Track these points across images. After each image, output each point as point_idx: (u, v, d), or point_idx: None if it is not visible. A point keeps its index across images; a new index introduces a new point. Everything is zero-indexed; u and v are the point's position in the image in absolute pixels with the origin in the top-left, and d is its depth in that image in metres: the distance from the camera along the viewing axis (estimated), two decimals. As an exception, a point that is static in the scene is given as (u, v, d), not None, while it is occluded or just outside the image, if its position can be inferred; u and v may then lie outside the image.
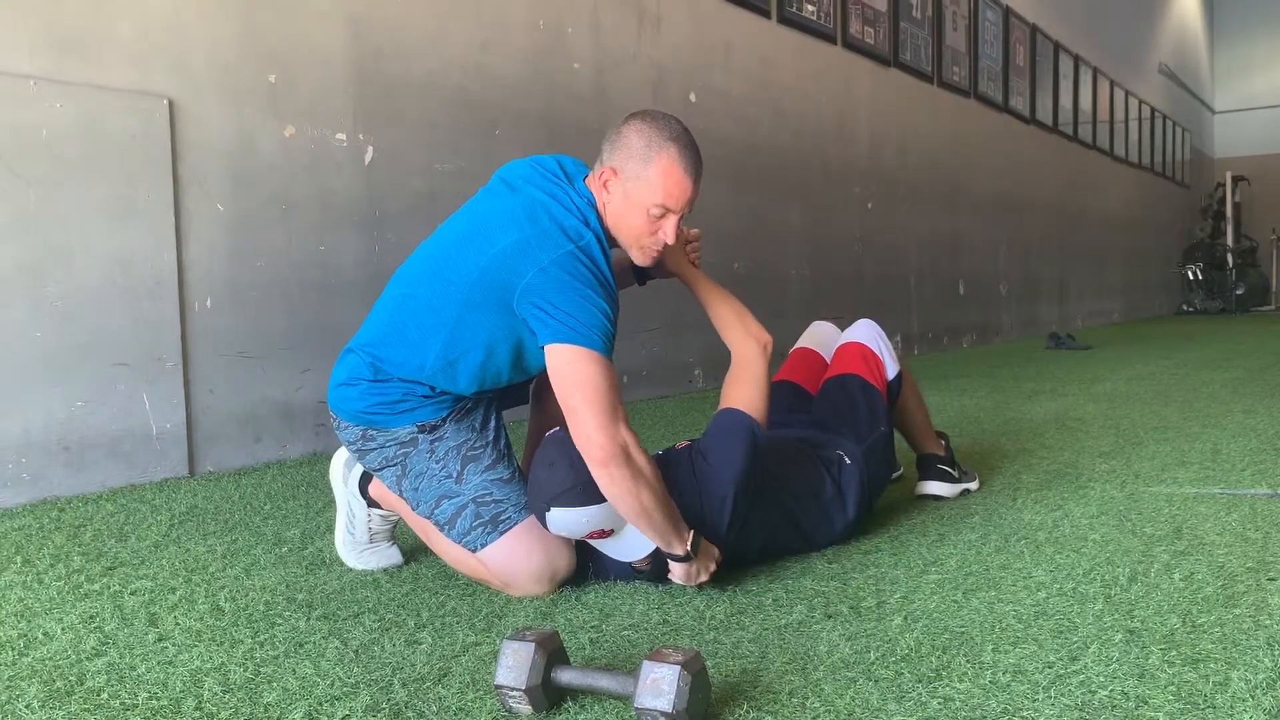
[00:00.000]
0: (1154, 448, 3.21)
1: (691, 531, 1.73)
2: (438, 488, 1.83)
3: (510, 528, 1.80)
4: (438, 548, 1.90)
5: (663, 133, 1.78)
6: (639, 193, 1.77)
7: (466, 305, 1.76)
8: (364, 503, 1.99)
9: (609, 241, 1.81)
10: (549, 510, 1.69)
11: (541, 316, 1.70)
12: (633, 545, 1.74)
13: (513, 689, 1.28)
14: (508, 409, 2.03)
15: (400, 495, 1.88)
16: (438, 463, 1.83)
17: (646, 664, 1.24)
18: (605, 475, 1.63)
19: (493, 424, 1.90)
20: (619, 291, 1.82)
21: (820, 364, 2.43)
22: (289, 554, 2.11)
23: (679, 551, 1.71)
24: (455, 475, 1.82)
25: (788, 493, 1.95)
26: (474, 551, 1.81)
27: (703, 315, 2.01)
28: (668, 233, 1.80)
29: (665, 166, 1.76)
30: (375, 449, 1.87)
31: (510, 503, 1.82)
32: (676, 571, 1.76)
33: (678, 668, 1.22)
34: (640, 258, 1.86)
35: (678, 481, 1.79)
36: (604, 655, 1.51)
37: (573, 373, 1.66)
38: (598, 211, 1.81)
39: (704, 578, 1.78)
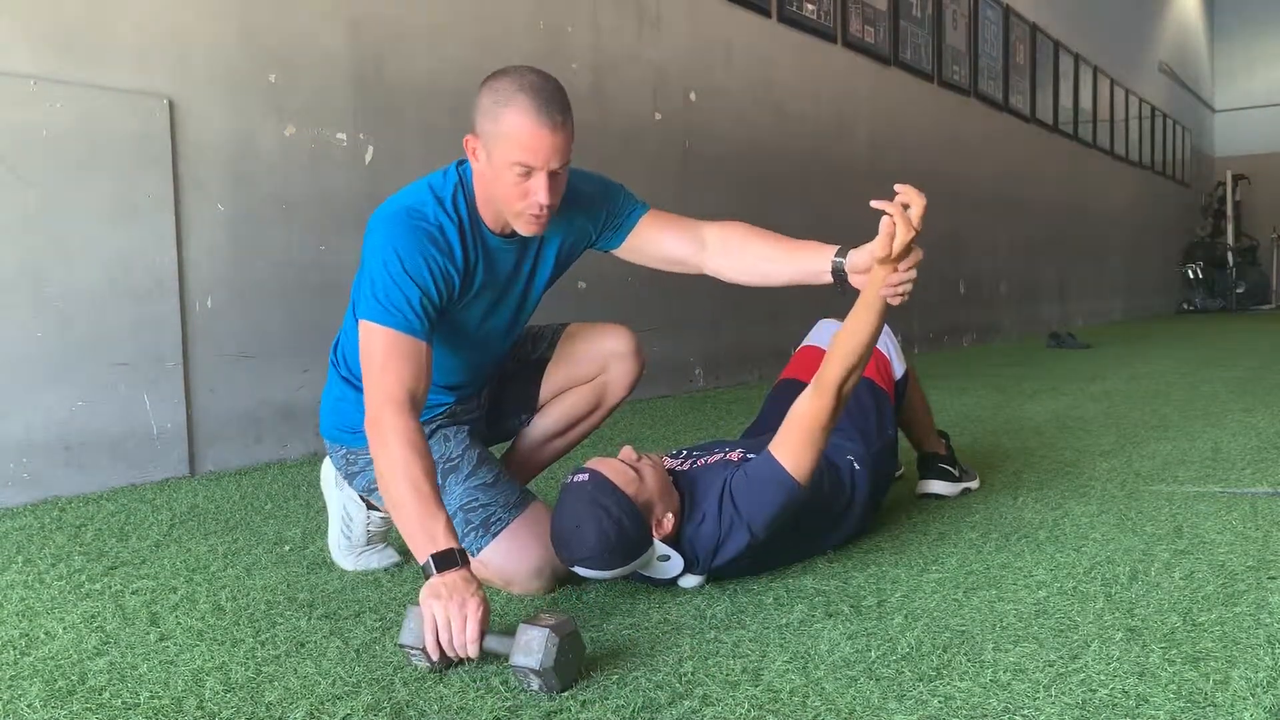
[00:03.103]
0: (1154, 446, 3.21)
1: (454, 548, 1.48)
2: None
3: (503, 528, 1.80)
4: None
5: (511, 84, 1.63)
6: (497, 153, 1.63)
7: (354, 303, 1.78)
8: (363, 505, 1.99)
9: (478, 215, 1.74)
10: (574, 567, 1.71)
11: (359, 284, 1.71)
12: (665, 570, 1.76)
13: (414, 648, 1.44)
14: (494, 443, 2.06)
15: None
16: None
17: (521, 626, 1.36)
18: (366, 432, 1.61)
19: (465, 433, 1.90)
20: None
21: None
22: (290, 553, 2.11)
23: (419, 558, 1.49)
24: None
25: (804, 509, 1.90)
26: (472, 556, 1.81)
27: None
28: (539, 193, 1.64)
29: (514, 120, 1.61)
30: (359, 472, 1.92)
31: (498, 504, 1.82)
32: (423, 603, 1.45)
33: (546, 630, 1.33)
34: (525, 227, 1.70)
35: (702, 504, 1.78)
36: (604, 654, 1.51)
37: (364, 347, 1.65)
38: (467, 184, 1.74)
39: (447, 632, 1.41)
